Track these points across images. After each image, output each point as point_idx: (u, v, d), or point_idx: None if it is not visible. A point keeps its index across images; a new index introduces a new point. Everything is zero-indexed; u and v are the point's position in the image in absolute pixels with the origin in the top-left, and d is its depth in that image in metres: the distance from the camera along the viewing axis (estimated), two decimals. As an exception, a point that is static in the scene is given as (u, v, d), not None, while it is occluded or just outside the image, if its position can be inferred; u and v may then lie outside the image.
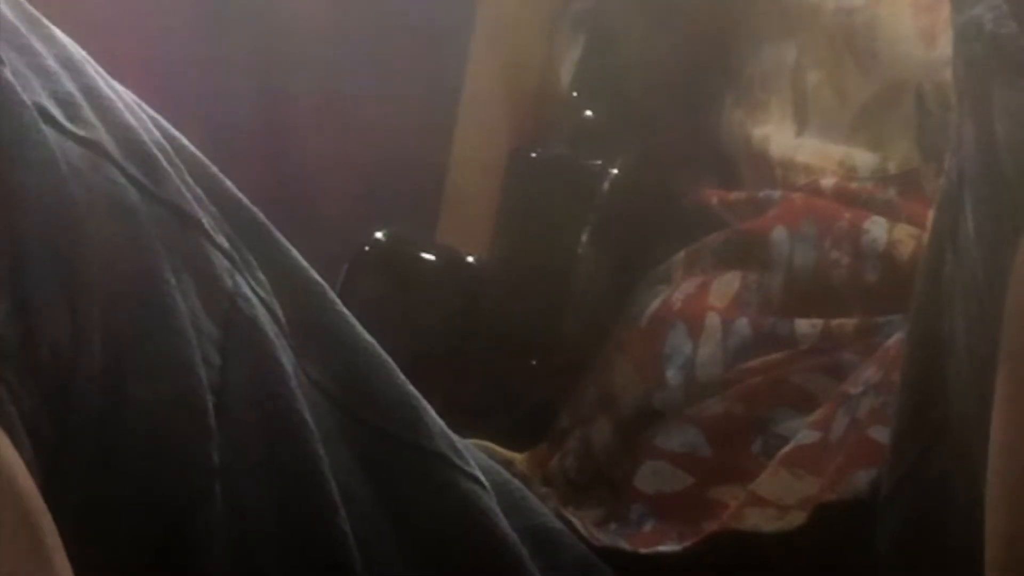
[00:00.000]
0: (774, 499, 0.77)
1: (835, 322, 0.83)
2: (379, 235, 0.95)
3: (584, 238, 0.91)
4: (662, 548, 0.79)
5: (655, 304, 0.89)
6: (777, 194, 0.89)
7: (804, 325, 0.84)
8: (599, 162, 0.94)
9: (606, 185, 0.93)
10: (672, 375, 0.86)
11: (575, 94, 0.97)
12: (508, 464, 0.83)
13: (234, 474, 0.62)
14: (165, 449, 0.60)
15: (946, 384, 0.64)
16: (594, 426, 0.86)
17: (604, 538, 0.80)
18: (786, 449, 0.79)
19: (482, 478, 0.71)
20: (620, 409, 0.86)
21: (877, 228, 0.83)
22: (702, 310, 0.87)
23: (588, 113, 0.97)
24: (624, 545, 0.79)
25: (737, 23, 0.95)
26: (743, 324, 0.86)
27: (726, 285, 0.88)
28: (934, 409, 0.65)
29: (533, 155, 0.95)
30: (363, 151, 1.10)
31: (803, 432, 0.79)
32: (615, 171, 0.94)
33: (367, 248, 0.95)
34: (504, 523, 0.71)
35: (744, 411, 0.82)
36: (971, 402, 0.58)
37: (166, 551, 0.60)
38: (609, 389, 0.88)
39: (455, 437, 0.72)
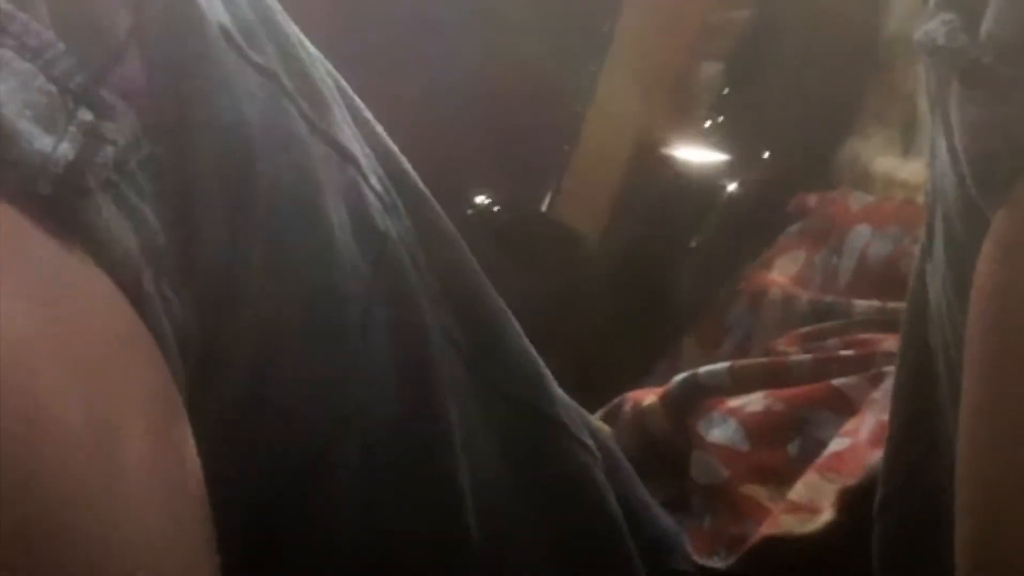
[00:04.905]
0: (807, 503, 0.78)
1: (892, 304, 0.84)
2: (483, 200, 0.96)
3: (694, 244, 0.92)
4: (710, 563, 0.79)
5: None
6: (868, 197, 0.91)
7: (862, 304, 0.86)
8: (719, 172, 0.95)
9: (722, 200, 0.94)
10: (728, 343, 0.88)
11: (720, 118, 0.99)
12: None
13: (367, 415, 0.61)
14: (314, 379, 0.59)
15: (935, 398, 0.63)
16: (646, 404, 0.86)
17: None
18: (820, 459, 0.79)
19: (595, 448, 0.70)
20: (670, 385, 0.86)
21: None
22: (765, 285, 0.89)
23: (720, 119, 0.99)
24: (686, 543, 0.80)
25: (871, 59, 0.97)
26: (802, 301, 0.88)
27: (791, 261, 0.90)
28: (926, 420, 0.65)
29: (659, 152, 0.96)
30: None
31: (836, 440, 0.80)
32: (733, 187, 0.95)
33: (471, 212, 0.95)
34: (611, 496, 0.70)
35: (784, 409, 0.82)
36: (953, 411, 0.58)
37: (299, 482, 0.59)
38: (674, 368, 0.89)
39: (571, 404, 0.71)
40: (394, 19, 1.12)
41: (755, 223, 0.95)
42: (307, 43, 0.64)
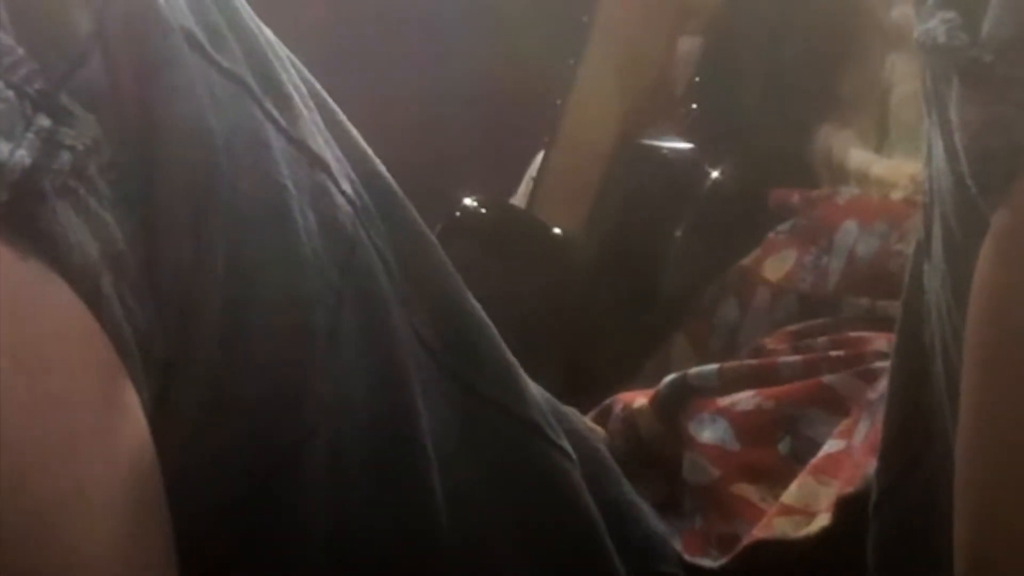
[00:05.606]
0: (801, 506, 0.77)
1: (881, 303, 0.84)
2: (469, 202, 0.95)
3: (678, 233, 0.92)
4: (702, 562, 0.78)
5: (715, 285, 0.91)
6: (855, 190, 0.91)
7: (851, 301, 0.86)
8: (701, 159, 0.95)
9: (704, 188, 0.94)
10: (716, 341, 0.88)
11: (694, 105, 0.98)
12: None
13: (336, 416, 0.61)
14: (280, 382, 0.59)
15: (930, 396, 0.63)
16: (636, 406, 0.85)
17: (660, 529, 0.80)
18: (814, 460, 0.79)
19: (571, 450, 0.70)
20: (660, 387, 0.85)
21: None
22: (754, 284, 0.89)
23: (694, 107, 0.98)
24: (677, 543, 0.79)
25: (845, 46, 0.96)
26: (791, 300, 0.88)
27: (781, 261, 0.89)
28: (920, 422, 0.65)
29: (641, 143, 0.95)
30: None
31: (830, 442, 0.79)
32: (715, 175, 0.95)
33: (458, 214, 0.94)
34: (588, 499, 0.70)
35: (774, 407, 0.82)
36: (949, 413, 0.58)
37: (267, 487, 0.59)
38: (664, 367, 0.88)
39: (548, 402, 0.71)
40: (373, 19, 1.12)
41: (737, 214, 0.95)
42: (278, 46, 0.64)
